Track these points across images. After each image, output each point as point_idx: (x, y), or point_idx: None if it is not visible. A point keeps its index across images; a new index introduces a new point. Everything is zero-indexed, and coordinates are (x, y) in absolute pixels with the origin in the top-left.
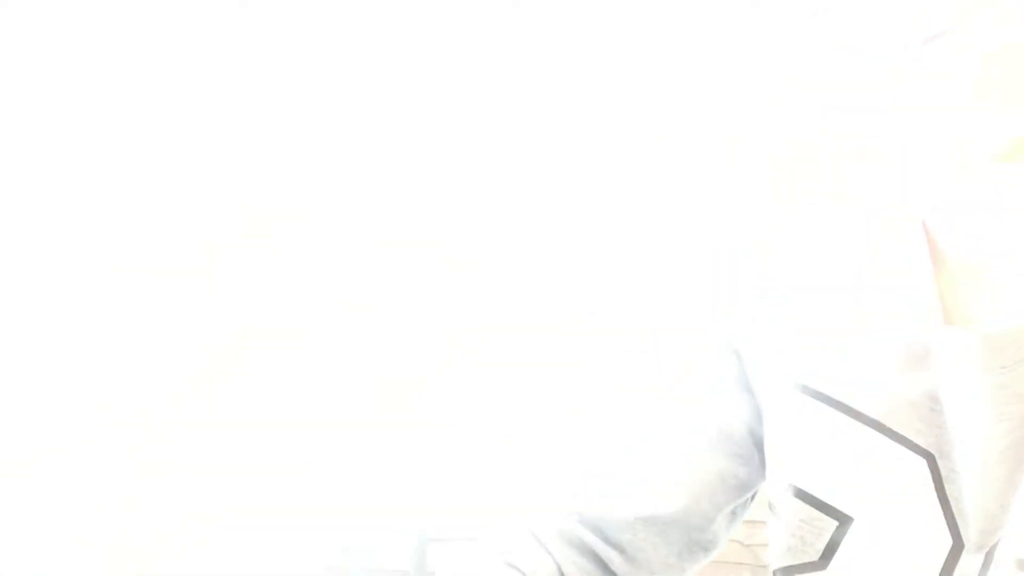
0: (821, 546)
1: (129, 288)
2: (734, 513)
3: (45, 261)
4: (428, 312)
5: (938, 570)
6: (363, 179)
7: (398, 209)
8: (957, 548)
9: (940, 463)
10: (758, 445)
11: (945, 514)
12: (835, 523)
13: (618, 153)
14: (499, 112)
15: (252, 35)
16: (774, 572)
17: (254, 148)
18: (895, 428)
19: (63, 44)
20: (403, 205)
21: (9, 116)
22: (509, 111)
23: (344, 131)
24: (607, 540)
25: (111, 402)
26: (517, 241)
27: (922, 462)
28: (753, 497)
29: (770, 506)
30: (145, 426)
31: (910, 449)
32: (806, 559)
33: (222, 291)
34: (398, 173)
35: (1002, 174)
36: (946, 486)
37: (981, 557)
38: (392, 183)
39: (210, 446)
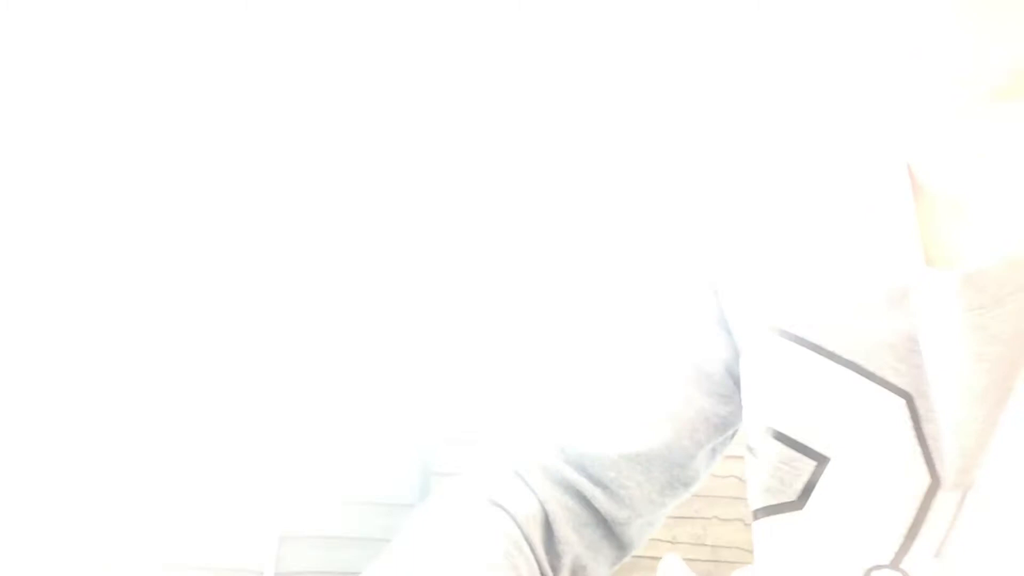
0: (799, 486)
1: (129, 288)
2: (714, 450)
3: (45, 261)
4: (428, 312)
5: (915, 507)
6: (363, 179)
7: (398, 209)
8: (934, 486)
9: (918, 403)
10: (738, 384)
11: (923, 453)
12: (813, 463)
13: (616, 152)
14: (499, 112)
15: (252, 35)
16: (754, 512)
17: (254, 148)
18: (872, 369)
19: (63, 44)
20: (403, 205)
21: (9, 116)
22: (509, 111)
23: (344, 131)
24: (591, 478)
25: (111, 402)
26: (517, 241)
27: (900, 402)
28: (734, 435)
29: (748, 448)
30: (145, 426)
31: (888, 389)
32: (784, 499)
33: (222, 291)
34: (398, 173)
35: (991, 111)
36: (924, 425)
37: (958, 495)
38: (392, 183)
39: (209, 445)
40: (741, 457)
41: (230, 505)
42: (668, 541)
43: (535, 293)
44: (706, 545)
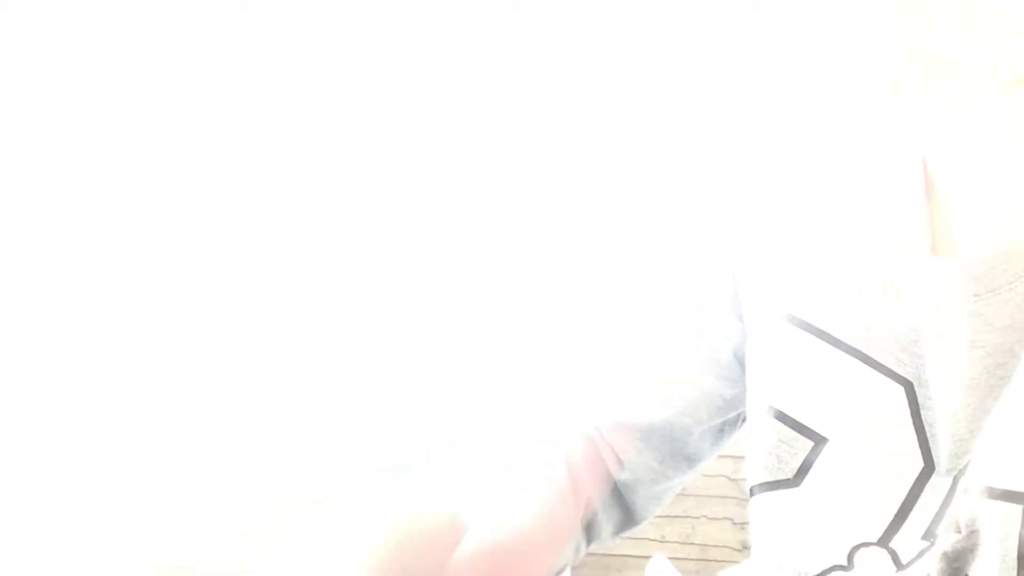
0: (796, 465)
1: (121, 286)
2: (721, 430)
3: (45, 261)
4: (426, 309)
5: (907, 490)
6: (363, 180)
7: (398, 209)
8: (927, 471)
9: (918, 391)
10: (744, 367)
11: (919, 439)
12: (811, 443)
13: (616, 152)
14: (499, 113)
15: (252, 35)
16: (750, 488)
17: (254, 147)
18: (876, 357)
19: (63, 44)
20: (403, 205)
21: (9, 116)
22: (508, 112)
23: (343, 130)
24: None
25: (112, 405)
26: (516, 241)
27: (900, 390)
28: (742, 418)
29: (749, 426)
30: (134, 424)
31: (889, 377)
32: (781, 476)
33: (214, 289)
34: (398, 174)
35: (1001, 102)
36: (922, 412)
37: (949, 480)
38: (391, 184)
39: (201, 444)
40: (731, 457)
41: (222, 503)
42: (657, 540)
43: (553, 279)
44: (695, 544)
